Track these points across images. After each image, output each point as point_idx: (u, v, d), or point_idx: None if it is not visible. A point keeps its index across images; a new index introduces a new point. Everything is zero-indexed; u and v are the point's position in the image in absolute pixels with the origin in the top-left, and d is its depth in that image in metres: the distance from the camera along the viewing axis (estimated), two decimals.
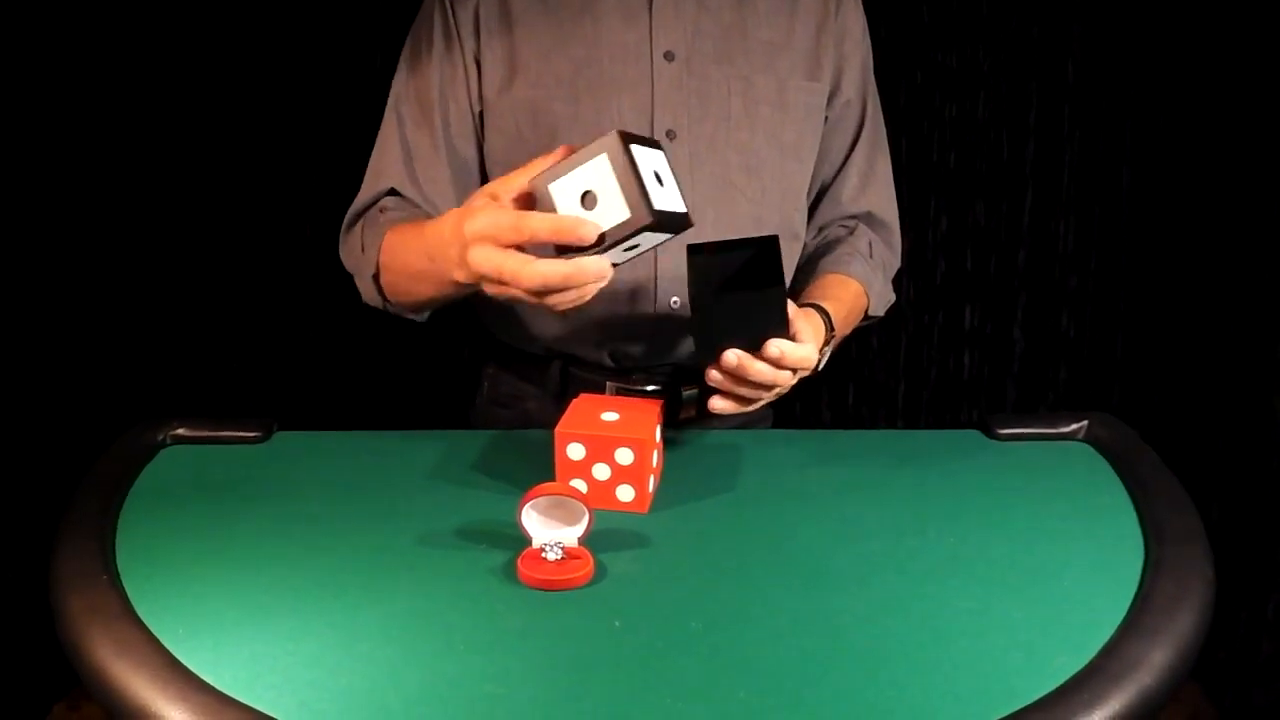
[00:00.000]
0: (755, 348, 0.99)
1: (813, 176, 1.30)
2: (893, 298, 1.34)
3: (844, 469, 1.09)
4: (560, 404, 1.06)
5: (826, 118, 1.28)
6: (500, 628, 0.81)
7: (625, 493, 0.98)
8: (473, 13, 1.20)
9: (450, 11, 1.20)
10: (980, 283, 2.34)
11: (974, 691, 0.74)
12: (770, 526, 0.97)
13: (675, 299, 1.21)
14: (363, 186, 1.24)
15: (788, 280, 1.23)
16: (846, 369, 2.38)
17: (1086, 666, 0.76)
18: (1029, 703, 0.72)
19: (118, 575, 0.87)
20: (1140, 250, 2.27)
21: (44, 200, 1.99)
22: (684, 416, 1.27)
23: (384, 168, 1.22)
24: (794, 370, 1.02)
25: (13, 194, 1.91)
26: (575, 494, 0.89)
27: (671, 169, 0.93)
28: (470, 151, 1.23)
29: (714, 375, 1.01)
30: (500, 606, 0.84)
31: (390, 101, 1.24)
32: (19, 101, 1.91)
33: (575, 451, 0.98)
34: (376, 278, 1.16)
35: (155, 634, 0.78)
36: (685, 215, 0.92)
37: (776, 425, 1.44)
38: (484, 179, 1.27)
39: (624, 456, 0.97)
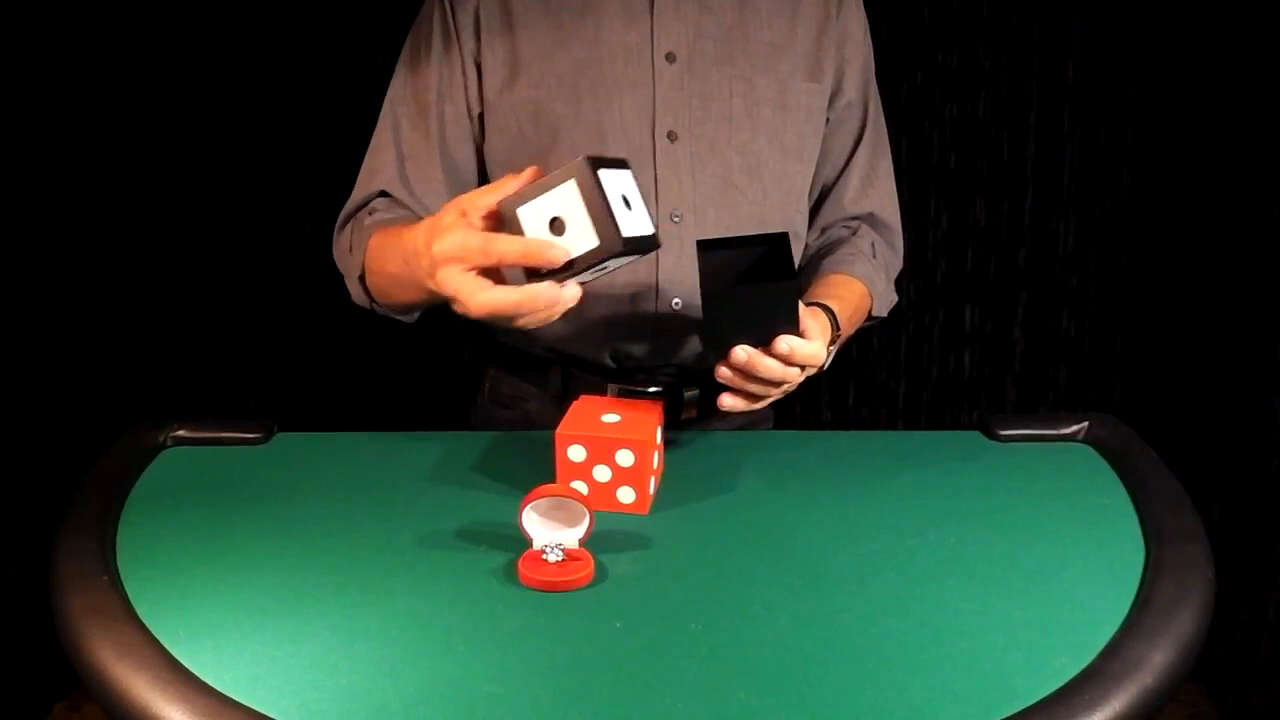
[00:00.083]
0: (764, 344, 0.99)
1: (814, 178, 1.30)
2: (895, 298, 1.34)
3: (844, 469, 1.09)
4: (561, 405, 1.06)
5: (828, 119, 1.28)
6: (500, 629, 0.81)
7: (626, 494, 0.99)
8: (473, 14, 1.20)
9: (450, 13, 1.20)
10: (981, 283, 2.34)
11: (974, 691, 0.74)
12: (770, 527, 0.97)
13: (677, 300, 1.21)
14: (355, 186, 1.24)
15: None
16: (847, 369, 2.38)
17: (1087, 667, 0.76)
18: (1029, 704, 0.72)
19: (118, 576, 0.87)
20: (1141, 250, 2.27)
21: (44, 200, 1.99)
22: (685, 417, 1.27)
23: (377, 168, 1.22)
24: (802, 367, 1.02)
25: (13, 194, 1.91)
26: (576, 495, 0.89)
27: (638, 187, 0.94)
28: (466, 154, 1.23)
29: (723, 372, 1.01)
30: (501, 608, 0.84)
31: (387, 101, 1.24)
32: (19, 101, 1.91)
33: (576, 453, 0.98)
34: (363, 279, 1.16)
35: (155, 635, 0.78)
36: (653, 237, 0.92)
37: (777, 426, 1.44)
38: (482, 180, 1.27)
39: (625, 458, 0.97)
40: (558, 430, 0.98)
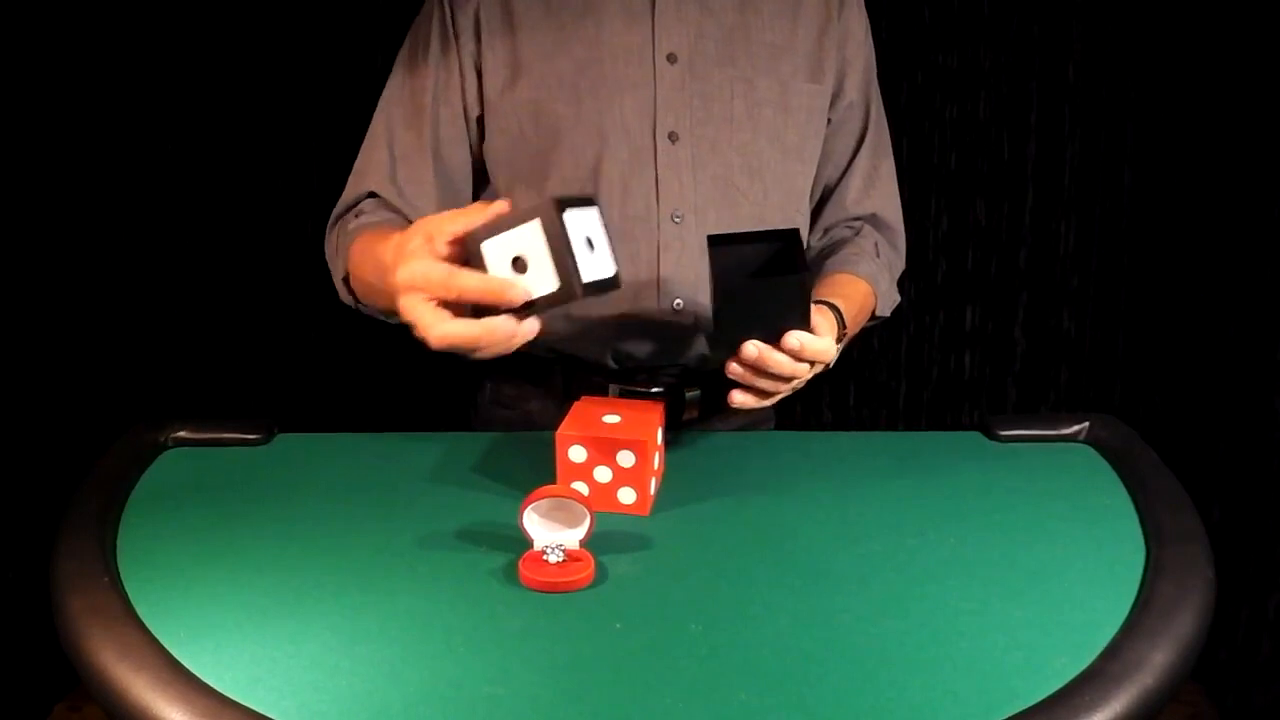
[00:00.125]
0: (774, 339, 0.99)
1: (816, 179, 1.30)
2: (898, 298, 1.34)
3: (844, 470, 1.09)
4: (563, 406, 1.06)
5: (829, 120, 1.28)
6: (501, 629, 0.81)
7: (626, 495, 0.99)
8: (473, 16, 1.20)
9: (449, 14, 1.20)
10: (981, 283, 2.34)
11: (974, 692, 0.74)
12: (770, 527, 0.97)
13: (678, 300, 1.21)
14: (347, 185, 1.24)
15: None
16: (847, 370, 2.39)
17: (1087, 668, 0.76)
18: (1030, 704, 0.72)
19: (118, 577, 0.87)
20: (1141, 250, 2.27)
21: (44, 200, 1.99)
22: (686, 418, 1.27)
23: (368, 169, 1.23)
24: (811, 363, 1.02)
25: (13, 194, 1.91)
26: (576, 496, 0.89)
27: (604, 224, 0.94)
28: (459, 157, 1.23)
29: (734, 368, 1.01)
30: (501, 608, 0.84)
31: (382, 101, 1.24)
32: (19, 101, 1.91)
33: (577, 454, 0.98)
34: (348, 280, 1.16)
35: (156, 635, 0.78)
36: (615, 278, 0.93)
37: (778, 427, 1.44)
38: (477, 182, 1.27)
39: (625, 459, 0.97)
40: (558, 431, 0.98)
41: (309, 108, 2.17)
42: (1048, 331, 2.36)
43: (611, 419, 1.00)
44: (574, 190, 1.19)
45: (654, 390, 1.25)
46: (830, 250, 1.30)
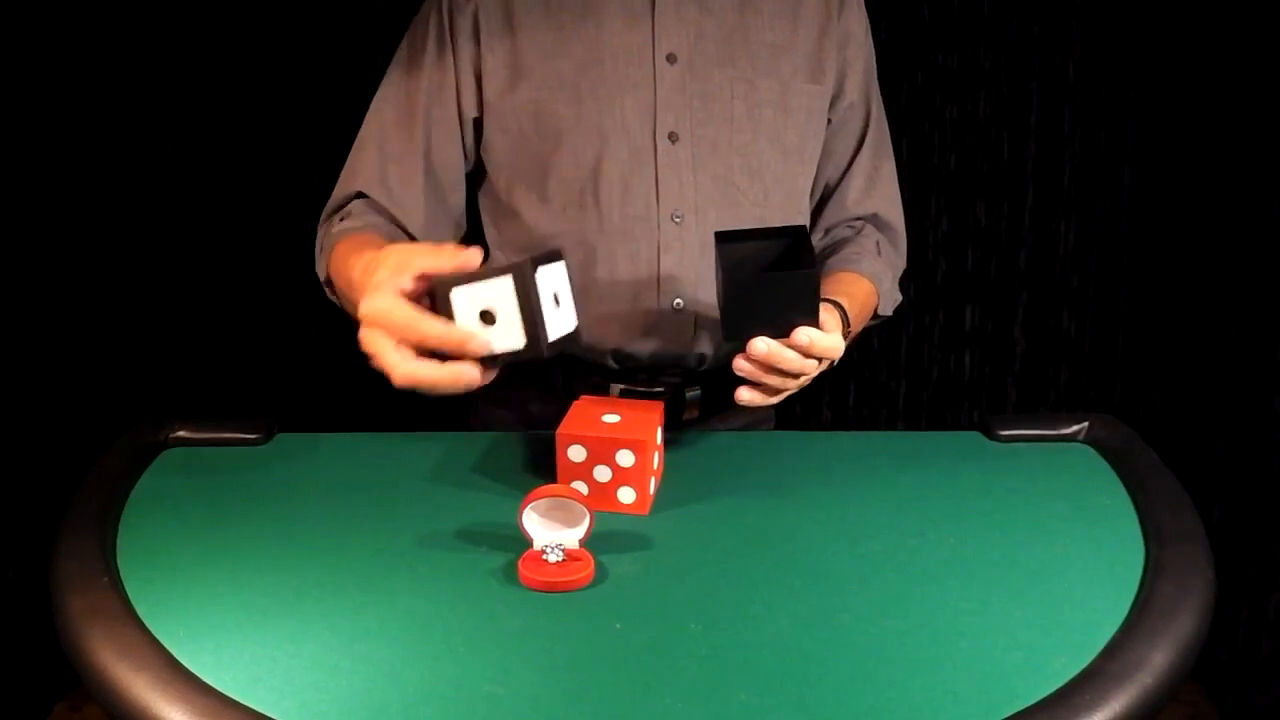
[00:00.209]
0: (783, 335, 0.99)
1: (817, 179, 1.30)
2: (899, 298, 1.34)
3: (844, 469, 1.09)
4: (563, 405, 1.06)
5: (830, 120, 1.28)
6: (501, 629, 0.81)
7: (626, 494, 0.99)
8: (471, 18, 1.20)
9: (447, 16, 1.20)
10: (981, 283, 2.34)
11: (974, 692, 0.74)
12: (770, 527, 0.97)
13: (678, 300, 1.21)
14: (338, 183, 1.24)
15: None
16: (847, 370, 2.39)
17: (1087, 667, 0.76)
18: (1030, 704, 0.72)
19: (118, 576, 0.87)
20: (1141, 250, 2.27)
21: (44, 200, 1.99)
22: (687, 418, 1.27)
23: (358, 168, 1.23)
24: (819, 360, 1.02)
25: (13, 194, 1.91)
26: (576, 495, 0.89)
27: (569, 278, 0.95)
28: (450, 159, 1.23)
29: (742, 365, 1.01)
30: (501, 608, 0.84)
31: (375, 101, 1.24)
32: (19, 101, 1.91)
33: (576, 453, 0.98)
34: (330, 281, 1.17)
35: (156, 635, 0.78)
36: (575, 331, 0.95)
37: (778, 427, 1.44)
38: (472, 184, 1.28)
39: (625, 458, 0.97)
40: (558, 430, 0.98)
41: (309, 108, 2.17)
42: (1048, 331, 2.36)
43: (611, 418, 1.00)
44: (574, 190, 1.19)
45: (655, 390, 1.25)
46: (832, 249, 1.30)
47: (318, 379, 2.31)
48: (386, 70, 1.25)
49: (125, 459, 1.06)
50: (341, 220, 1.19)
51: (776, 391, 1.04)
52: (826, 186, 1.33)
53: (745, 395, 1.03)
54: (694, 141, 1.19)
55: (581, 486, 0.99)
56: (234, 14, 2.13)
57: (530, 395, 1.32)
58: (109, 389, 2.15)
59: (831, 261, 1.27)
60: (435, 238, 1.24)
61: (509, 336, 0.89)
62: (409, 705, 0.72)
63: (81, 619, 0.80)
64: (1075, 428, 1.15)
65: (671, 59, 1.19)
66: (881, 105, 1.33)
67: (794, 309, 0.98)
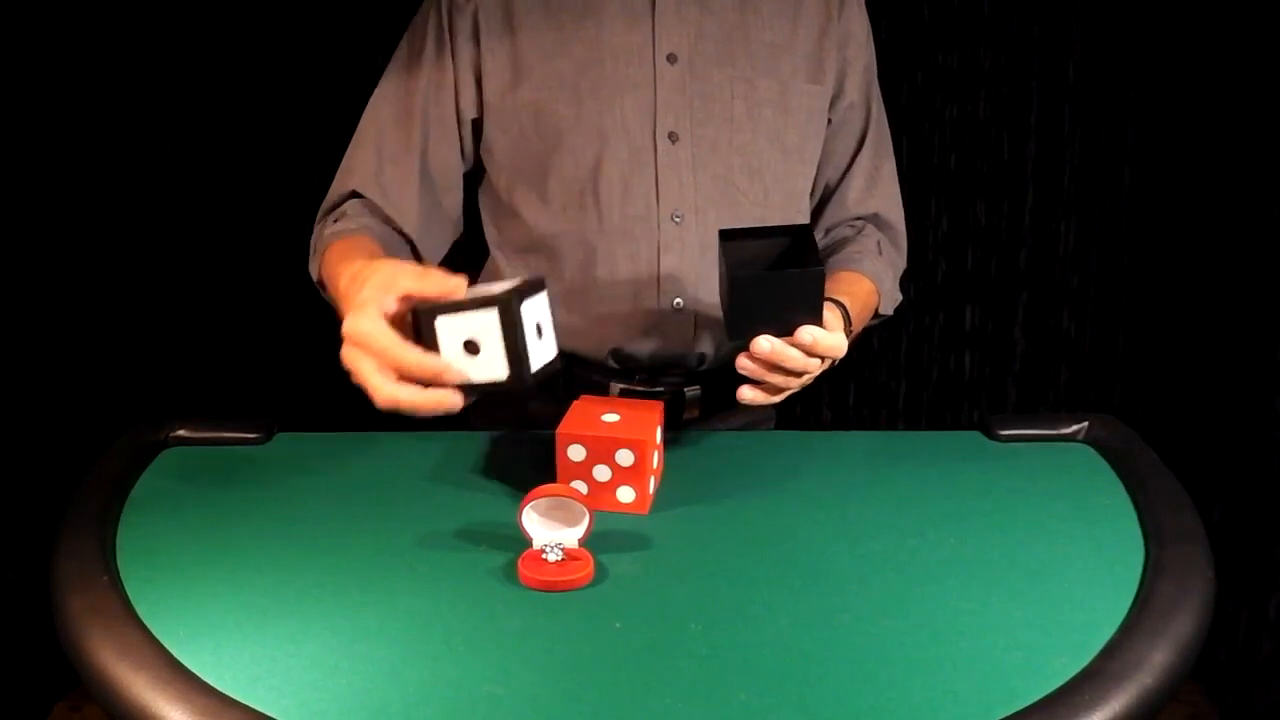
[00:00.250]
0: (786, 334, 0.99)
1: (818, 179, 1.30)
2: (900, 297, 1.34)
3: (844, 469, 1.09)
4: (562, 405, 1.06)
5: (830, 120, 1.28)
6: (500, 629, 0.81)
7: (626, 494, 0.99)
8: (471, 19, 1.20)
9: (446, 17, 1.20)
10: (981, 283, 2.34)
11: (974, 692, 0.74)
12: (770, 527, 0.97)
13: (678, 300, 1.21)
14: (334, 181, 1.24)
15: None
16: (847, 369, 2.38)
17: (1087, 667, 0.76)
18: (1029, 703, 0.72)
19: (118, 576, 0.87)
20: (1141, 250, 2.27)
21: (44, 200, 1.99)
22: (687, 417, 1.27)
23: (354, 166, 1.23)
24: (823, 359, 1.02)
25: (13, 194, 1.91)
26: (576, 495, 0.89)
27: (550, 308, 0.95)
28: (447, 160, 1.23)
29: (745, 363, 1.01)
30: (500, 607, 0.84)
31: (373, 99, 1.24)
32: (19, 101, 1.91)
33: (576, 453, 0.98)
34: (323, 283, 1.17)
35: (156, 635, 0.78)
36: (554, 362, 0.95)
37: (778, 427, 1.44)
38: (470, 185, 1.28)
39: (624, 458, 0.97)
40: (558, 429, 0.98)
41: (309, 108, 2.16)
42: (1048, 331, 2.36)
43: (610, 418, 1.00)
44: (574, 190, 1.19)
45: (655, 390, 1.25)
46: (833, 249, 1.30)
47: (318, 379, 2.31)
48: (385, 69, 1.25)
49: (125, 459, 1.06)
50: (335, 221, 1.19)
51: (779, 390, 1.04)
52: (827, 186, 1.33)
53: (748, 394, 1.03)
54: (694, 141, 1.19)
55: (581, 486, 0.99)
56: (234, 14, 2.13)
57: (530, 395, 1.32)
58: (109, 389, 2.15)
59: (832, 261, 1.27)
60: (429, 239, 1.24)
61: (491, 368, 0.89)
62: (409, 705, 0.72)
63: (81, 619, 0.80)
64: (1075, 428, 1.15)
65: (672, 59, 1.19)
66: (882, 105, 1.33)
67: (798, 307, 0.98)
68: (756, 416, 1.37)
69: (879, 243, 1.31)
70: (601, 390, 1.25)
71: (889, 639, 0.80)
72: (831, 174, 1.32)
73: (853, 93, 1.28)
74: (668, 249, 1.20)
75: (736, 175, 1.21)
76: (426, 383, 0.89)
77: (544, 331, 0.93)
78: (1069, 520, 0.98)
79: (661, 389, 1.25)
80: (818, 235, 1.34)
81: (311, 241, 1.22)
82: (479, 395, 0.90)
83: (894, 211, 1.34)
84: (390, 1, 2.07)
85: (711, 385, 1.27)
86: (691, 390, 1.26)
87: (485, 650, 0.78)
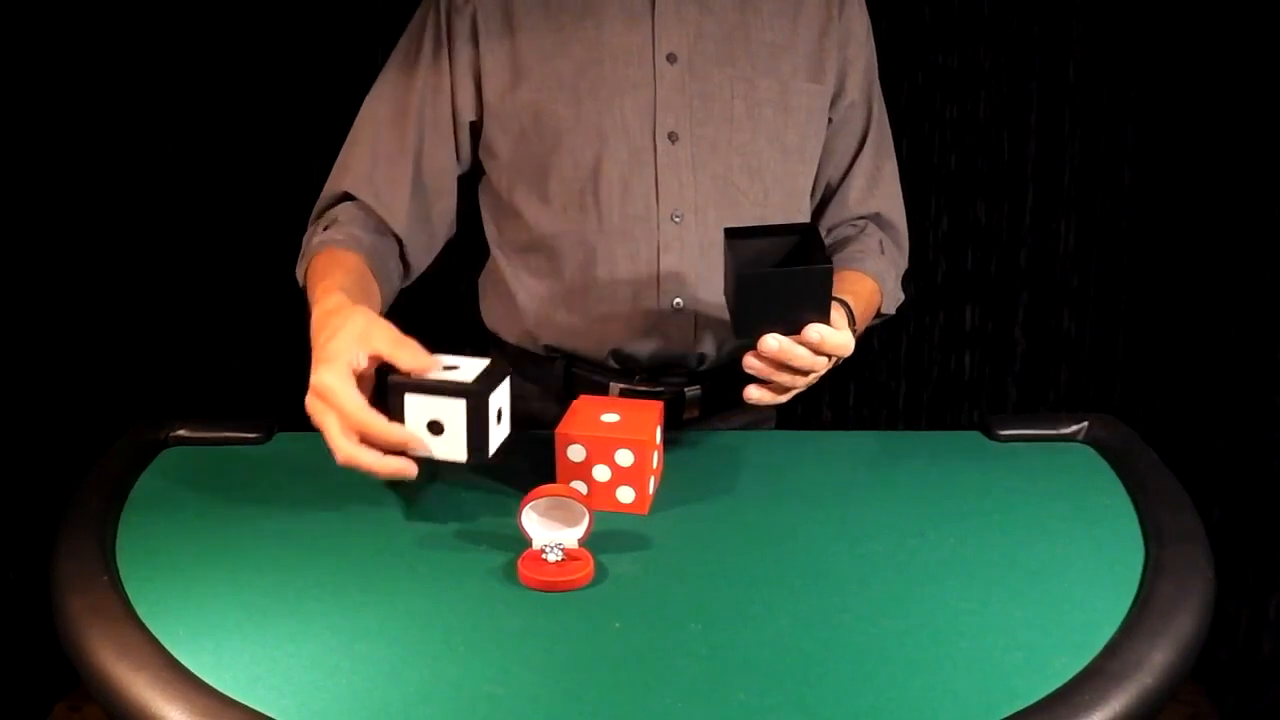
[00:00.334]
0: (793, 332, 0.99)
1: (819, 178, 1.30)
2: (902, 296, 1.34)
3: (844, 469, 1.09)
4: (563, 405, 1.06)
5: (831, 120, 1.28)
6: (500, 629, 0.81)
7: (625, 494, 0.99)
8: (469, 21, 1.19)
9: (445, 19, 1.20)
10: (981, 283, 2.34)
11: (974, 691, 0.74)
12: (770, 526, 0.97)
13: (678, 300, 1.21)
14: (329, 179, 1.24)
15: None
16: (847, 369, 2.38)
17: (1087, 667, 0.76)
18: (1030, 703, 0.72)
19: (118, 576, 0.87)
20: (1141, 250, 2.27)
21: (44, 200, 1.99)
22: (687, 417, 1.27)
23: (349, 165, 1.23)
24: (829, 357, 1.02)
25: (13, 194, 1.91)
26: (575, 495, 0.89)
27: (510, 391, 0.98)
28: (441, 162, 1.23)
29: (752, 362, 1.01)
30: (500, 607, 0.84)
31: (369, 98, 1.24)
32: (19, 101, 1.91)
33: (576, 453, 0.98)
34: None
35: (156, 635, 0.78)
36: (509, 439, 0.97)
37: (778, 426, 1.44)
38: (469, 187, 1.28)
39: (624, 458, 0.97)
40: (557, 430, 0.98)
41: (309, 107, 2.16)
42: (1048, 331, 2.36)
43: (610, 418, 1.00)
44: (574, 190, 1.19)
45: (655, 390, 1.24)
46: (834, 248, 1.30)
47: None
48: (382, 69, 1.25)
49: (125, 459, 1.06)
50: (325, 229, 1.19)
51: (785, 390, 1.04)
52: (828, 186, 1.33)
53: (755, 393, 1.03)
54: (694, 141, 1.19)
55: (581, 486, 0.99)
56: (234, 14, 2.13)
57: (530, 395, 1.32)
58: (109, 389, 2.15)
59: (834, 260, 1.27)
60: (420, 240, 1.24)
61: (452, 449, 0.92)
62: (409, 705, 0.72)
63: (81, 619, 0.80)
64: (1075, 428, 1.15)
65: (671, 59, 1.19)
66: (883, 104, 1.33)
67: (805, 306, 0.98)
68: (757, 416, 1.37)
69: (881, 242, 1.31)
70: (601, 390, 1.25)
71: (889, 639, 0.80)
72: (833, 173, 1.32)
73: (853, 92, 1.28)
74: (668, 249, 1.19)
75: (736, 175, 1.21)
76: (387, 450, 0.91)
77: (504, 415, 0.96)
78: (1069, 520, 0.98)
79: (661, 389, 1.25)
80: None
81: (303, 242, 1.22)
82: (436, 466, 0.94)
83: (895, 211, 1.34)
84: (390, 1, 2.07)
85: (712, 385, 1.27)
86: (692, 390, 1.26)
87: (485, 650, 0.78)
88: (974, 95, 2.24)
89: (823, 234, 1.33)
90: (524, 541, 0.90)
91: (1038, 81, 2.22)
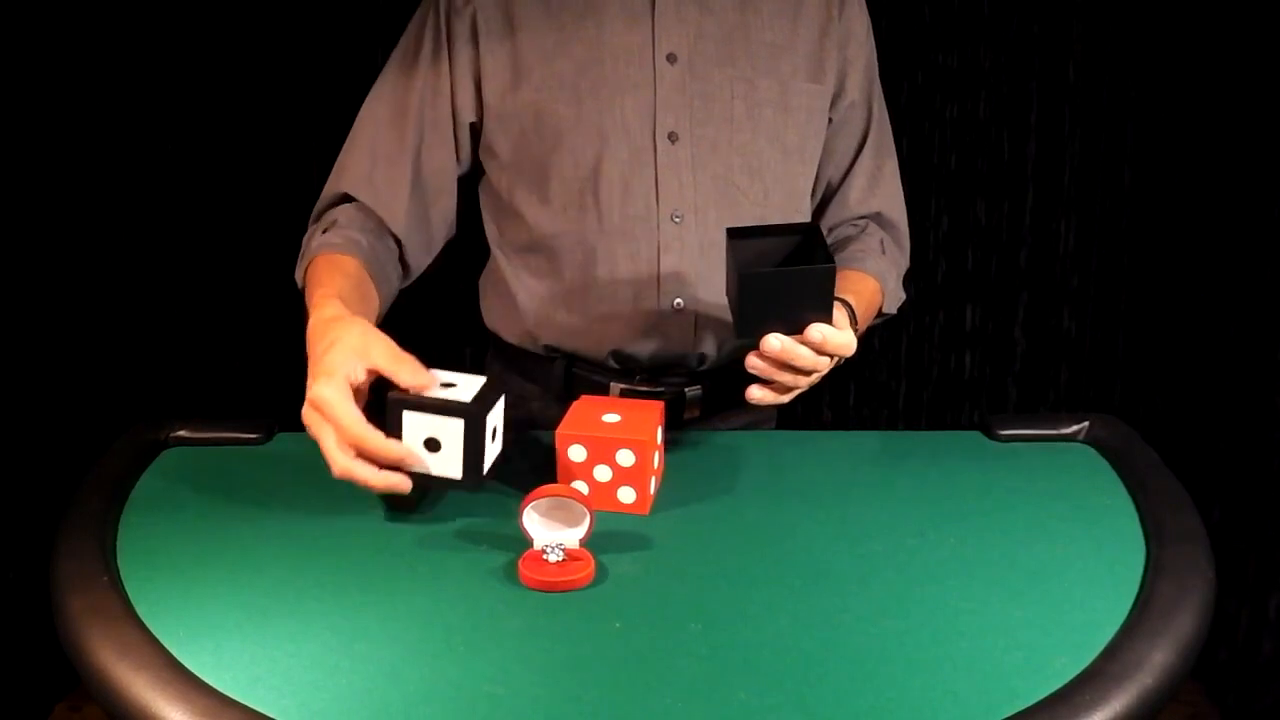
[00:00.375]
0: (795, 332, 0.99)
1: (820, 178, 1.30)
2: (904, 296, 1.34)
3: (844, 469, 1.09)
4: (564, 405, 1.06)
5: (831, 119, 1.28)
6: (501, 629, 0.81)
7: (626, 494, 0.99)
8: (469, 22, 1.19)
9: (444, 20, 1.20)
10: (981, 283, 2.34)
11: (974, 692, 0.74)
12: (770, 527, 0.97)
13: (678, 300, 1.21)
14: (329, 179, 1.24)
15: None
16: (847, 369, 2.37)
17: (1087, 667, 0.76)
18: (1029, 704, 0.72)
19: (118, 576, 0.87)
20: (1141, 250, 2.27)
21: (44, 200, 1.99)
22: (687, 417, 1.27)
23: (348, 166, 1.23)
24: (832, 356, 1.02)
25: (13, 194, 1.91)
26: (576, 495, 0.89)
27: (505, 412, 0.98)
28: (441, 163, 1.23)
29: (755, 362, 1.01)
30: (501, 608, 0.84)
31: (369, 98, 1.24)
32: (19, 101, 1.91)
33: (576, 453, 0.98)
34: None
35: (156, 635, 0.78)
36: (502, 455, 0.99)
37: (778, 426, 1.44)
38: (470, 187, 1.28)
39: (625, 458, 0.97)
40: (558, 430, 0.98)
41: (309, 107, 2.16)
42: (1048, 331, 2.36)
43: (611, 418, 1.00)
44: (574, 190, 1.19)
45: (656, 390, 1.24)
46: (835, 248, 1.30)
47: None
48: (382, 70, 1.25)
49: (125, 459, 1.06)
50: (325, 231, 1.19)
51: (788, 389, 1.04)
52: (829, 185, 1.33)
53: (757, 394, 1.03)
54: (693, 141, 1.19)
55: (582, 486, 0.99)
56: (234, 14, 2.13)
57: (530, 395, 1.32)
58: (109, 389, 2.15)
59: (836, 260, 1.27)
60: (419, 241, 1.24)
61: (448, 466, 0.93)
62: (409, 705, 0.72)
63: (81, 619, 0.80)
64: (1075, 427, 1.15)
65: (671, 59, 1.19)
66: (884, 104, 1.33)
67: (807, 305, 0.98)
68: (757, 416, 1.37)
69: (882, 241, 1.31)
70: (602, 390, 1.25)
71: (889, 639, 0.80)
72: (833, 173, 1.32)
73: (854, 91, 1.28)
74: (668, 249, 1.19)
75: (736, 175, 1.21)
76: (383, 465, 0.92)
77: (498, 434, 0.97)
78: (1069, 520, 0.98)
79: (662, 389, 1.25)
80: None
81: (302, 242, 1.22)
82: (429, 485, 0.95)
83: (896, 210, 1.34)
84: (390, 1, 2.07)
85: (712, 385, 1.27)
86: (692, 390, 1.26)
87: (485, 650, 0.78)
88: (974, 95, 2.24)
89: (824, 233, 1.33)
90: (525, 542, 0.90)
91: (1038, 81, 2.22)
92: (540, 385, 1.30)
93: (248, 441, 1.12)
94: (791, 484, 1.05)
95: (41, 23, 1.94)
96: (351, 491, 1.02)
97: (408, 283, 1.26)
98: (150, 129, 2.15)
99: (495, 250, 1.29)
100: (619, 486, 0.98)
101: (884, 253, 1.30)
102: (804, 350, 0.99)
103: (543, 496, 0.89)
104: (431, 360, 0.96)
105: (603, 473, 0.98)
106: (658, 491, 1.03)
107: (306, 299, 1.10)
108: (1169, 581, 0.86)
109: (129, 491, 1.01)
